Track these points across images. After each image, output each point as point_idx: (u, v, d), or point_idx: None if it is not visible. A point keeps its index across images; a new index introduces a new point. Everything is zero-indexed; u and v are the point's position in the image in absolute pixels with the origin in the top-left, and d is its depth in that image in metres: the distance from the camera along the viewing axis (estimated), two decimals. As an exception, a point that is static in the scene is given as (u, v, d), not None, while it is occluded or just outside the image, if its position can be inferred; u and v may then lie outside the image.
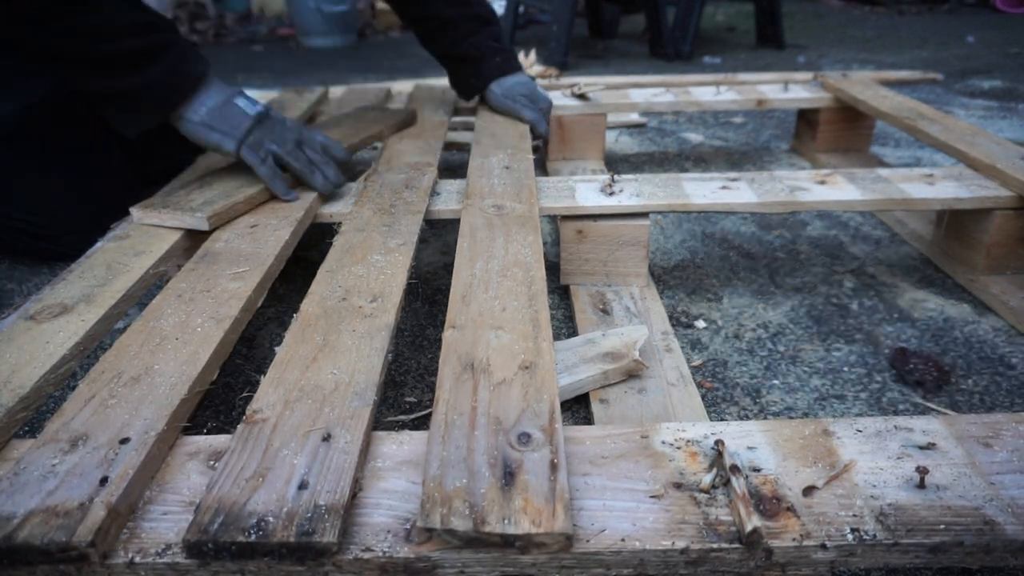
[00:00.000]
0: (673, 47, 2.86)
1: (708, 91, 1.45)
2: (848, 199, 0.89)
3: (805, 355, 0.84)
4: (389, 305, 0.64)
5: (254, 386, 0.62)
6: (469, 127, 1.44)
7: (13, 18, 0.75)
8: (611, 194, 0.91)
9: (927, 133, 1.11)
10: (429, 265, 1.08)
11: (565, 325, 0.91)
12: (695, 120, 1.89)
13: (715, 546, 0.41)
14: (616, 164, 1.56)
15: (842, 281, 1.01)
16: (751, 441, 0.49)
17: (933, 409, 0.74)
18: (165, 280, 0.76)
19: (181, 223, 0.81)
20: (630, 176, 0.97)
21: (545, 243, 1.13)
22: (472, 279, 0.68)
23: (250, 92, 1.14)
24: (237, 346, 0.86)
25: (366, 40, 3.80)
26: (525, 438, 0.47)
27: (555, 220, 1.17)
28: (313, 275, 0.70)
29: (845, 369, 0.81)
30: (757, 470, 0.47)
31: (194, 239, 0.81)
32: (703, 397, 0.75)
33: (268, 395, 0.52)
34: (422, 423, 0.73)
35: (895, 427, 0.50)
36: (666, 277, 1.03)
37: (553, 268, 0.96)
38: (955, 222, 0.98)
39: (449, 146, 1.50)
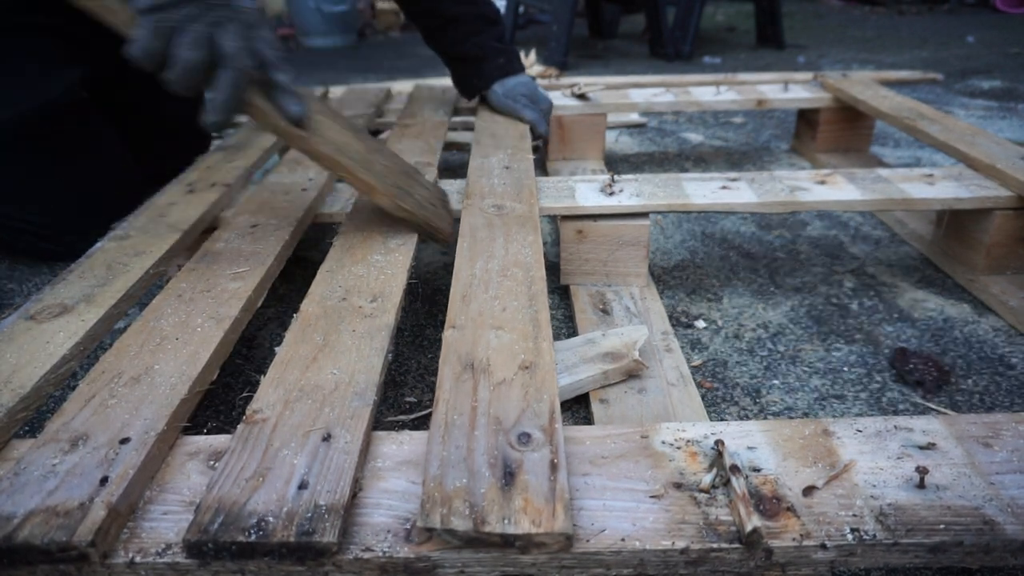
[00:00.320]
0: (673, 47, 2.86)
1: (708, 91, 1.45)
2: (848, 199, 0.89)
3: (805, 355, 0.84)
4: (389, 305, 0.64)
5: (254, 386, 0.62)
6: (469, 127, 1.44)
7: None
8: (611, 194, 0.91)
9: (927, 133, 1.11)
10: (429, 265, 1.08)
11: (565, 325, 0.91)
12: (695, 120, 1.89)
13: (715, 546, 0.41)
14: (616, 164, 1.56)
15: (842, 281, 1.01)
16: (751, 441, 0.49)
17: (933, 409, 0.74)
18: (165, 280, 0.76)
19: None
20: (630, 176, 0.97)
21: (545, 243, 1.13)
22: (472, 279, 0.68)
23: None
24: (237, 346, 0.86)
25: (366, 40, 3.80)
26: (525, 438, 0.47)
27: (555, 220, 1.17)
28: (313, 275, 0.70)
29: (845, 369, 0.81)
30: (757, 470, 0.47)
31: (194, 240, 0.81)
32: (703, 397, 0.75)
33: (268, 395, 0.52)
34: (422, 423, 0.73)
35: (895, 427, 0.50)
36: (666, 277, 1.03)
37: (553, 268, 0.96)
38: (955, 222, 0.98)
39: (449, 146, 1.50)
